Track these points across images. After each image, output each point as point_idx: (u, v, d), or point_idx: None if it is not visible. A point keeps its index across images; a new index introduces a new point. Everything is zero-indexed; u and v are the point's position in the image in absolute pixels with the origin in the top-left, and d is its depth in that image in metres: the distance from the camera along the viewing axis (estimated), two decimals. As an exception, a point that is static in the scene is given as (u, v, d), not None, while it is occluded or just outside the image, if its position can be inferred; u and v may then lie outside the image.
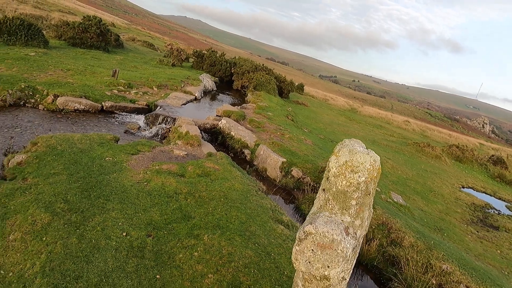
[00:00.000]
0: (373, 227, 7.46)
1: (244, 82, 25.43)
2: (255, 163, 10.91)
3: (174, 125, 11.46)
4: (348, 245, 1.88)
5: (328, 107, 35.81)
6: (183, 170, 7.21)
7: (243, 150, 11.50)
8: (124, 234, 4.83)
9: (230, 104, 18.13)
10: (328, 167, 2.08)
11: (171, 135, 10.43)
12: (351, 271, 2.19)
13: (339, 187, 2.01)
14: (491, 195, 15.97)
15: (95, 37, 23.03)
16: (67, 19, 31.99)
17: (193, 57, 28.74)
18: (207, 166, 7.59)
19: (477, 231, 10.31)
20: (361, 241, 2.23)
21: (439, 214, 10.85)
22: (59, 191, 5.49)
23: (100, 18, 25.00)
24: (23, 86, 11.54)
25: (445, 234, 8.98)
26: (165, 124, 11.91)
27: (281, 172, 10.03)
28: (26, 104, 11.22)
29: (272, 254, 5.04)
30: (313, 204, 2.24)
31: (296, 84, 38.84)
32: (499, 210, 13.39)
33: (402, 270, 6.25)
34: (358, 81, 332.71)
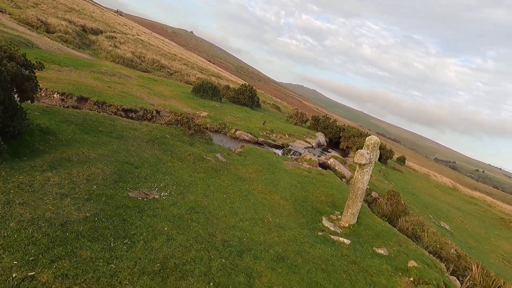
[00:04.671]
0: (414, 224, 12.66)
1: (349, 144, 31.73)
2: (349, 188, 16.93)
3: (300, 156, 18.52)
4: (366, 155, 8.13)
5: (426, 180, 38.53)
6: (309, 170, 14.04)
7: (342, 179, 17.67)
8: (289, 180, 11.80)
9: (337, 154, 24.61)
10: (366, 139, 8.52)
11: (299, 160, 17.45)
12: (369, 168, 8.50)
13: (366, 143, 8.42)
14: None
15: (247, 98, 33.16)
16: (218, 82, 44.56)
17: (311, 120, 36.70)
18: (322, 172, 14.25)
19: (511, 267, 13.81)
20: (373, 162, 8.42)
21: (482, 249, 14.67)
22: (260, 162, 12.87)
23: (252, 86, 35.52)
24: (220, 122, 20.50)
25: (473, 251, 13.18)
26: (294, 155, 19.10)
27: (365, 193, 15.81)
28: (221, 132, 19.96)
29: (343, 192, 11.20)
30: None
31: (398, 156, 43.01)
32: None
33: (421, 239, 11.44)
34: (483, 171, 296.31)
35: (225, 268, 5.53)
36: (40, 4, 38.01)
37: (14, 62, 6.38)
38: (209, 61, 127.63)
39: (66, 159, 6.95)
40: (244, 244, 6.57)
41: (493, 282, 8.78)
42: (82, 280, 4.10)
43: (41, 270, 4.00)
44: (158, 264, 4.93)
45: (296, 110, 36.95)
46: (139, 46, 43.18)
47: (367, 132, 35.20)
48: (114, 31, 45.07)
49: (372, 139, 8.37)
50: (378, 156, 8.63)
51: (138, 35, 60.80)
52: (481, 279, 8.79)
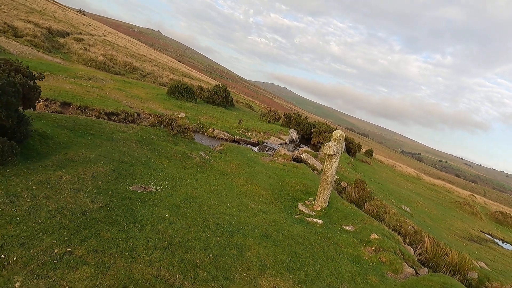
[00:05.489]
0: (378, 207, 14.29)
1: (320, 139, 33.52)
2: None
3: (275, 152, 19.82)
4: (334, 147, 9.47)
5: (391, 171, 41.21)
6: (284, 164, 15.34)
7: (314, 171, 19.15)
8: (266, 173, 13.00)
9: (309, 149, 26.18)
10: (332, 134, 9.86)
11: (275, 155, 18.74)
12: (337, 158, 9.85)
13: (333, 136, 9.77)
14: (506, 242, 20.20)
15: (221, 98, 34.09)
16: (191, 82, 45.12)
17: (283, 118, 38.23)
18: (296, 165, 15.61)
19: (462, 241, 15.82)
20: (339, 152, 9.78)
21: (438, 227, 16.62)
22: (239, 158, 13.99)
23: (225, 86, 36.47)
24: (198, 122, 21.39)
25: (429, 229, 15.01)
26: (269, 151, 20.38)
27: (335, 182, 17.34)
28: (199, 131, 20.86)
29: (315, 182, 12.58)
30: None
31: (365, 149, 45.58)
32: (498, 244, 18.10)
33: (384, 220, 13.04)
34: (446, 161, 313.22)
35: (220, 244, 6.63)
36: (1, 6, 36.89)
37: (21, 74, 7.12)
38: (179, 61, 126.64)
39: (70, 160, 7.75)
40: (234, 226, 7.70)
41: (441, 250, 10.44)
42: (109, 253, 5.07)
43: (75, 247, 4.93)
44: (166, 242, 5.95)
45: (268, 109, 38.36)
46: (109, 48, 42.84)
47: (336, 128, 37.22)
48: (80, 33, 44.38)
49: (338, 133, 9.74)
50: (344, 147, 10.00)
51: (105, 35, 59.81)
52: (432, 248, 10.43)
